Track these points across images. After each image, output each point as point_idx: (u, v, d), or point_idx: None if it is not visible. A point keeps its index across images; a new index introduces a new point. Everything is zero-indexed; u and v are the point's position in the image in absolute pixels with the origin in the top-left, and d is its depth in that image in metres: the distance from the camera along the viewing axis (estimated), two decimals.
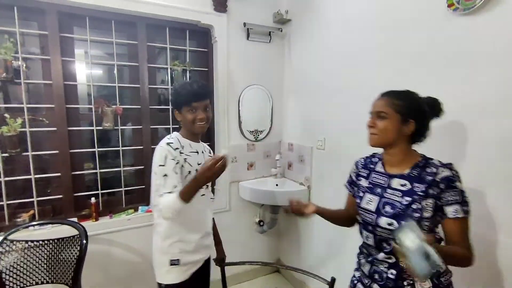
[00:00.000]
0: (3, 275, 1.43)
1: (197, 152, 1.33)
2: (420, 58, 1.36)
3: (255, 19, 2.19)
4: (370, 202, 1.00)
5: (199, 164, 1.29)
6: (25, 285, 1.50)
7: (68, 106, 1.78)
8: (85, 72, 1.88)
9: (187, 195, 1.13)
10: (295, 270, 1.30)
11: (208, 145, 1.52)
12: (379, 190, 1.00)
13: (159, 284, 1.29)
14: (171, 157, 1.20)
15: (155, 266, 1.31)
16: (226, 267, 1.48)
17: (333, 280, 1.16)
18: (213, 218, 1.55)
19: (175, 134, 1.31)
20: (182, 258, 1.28)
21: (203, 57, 2.19)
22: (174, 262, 1.27)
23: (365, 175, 1.08)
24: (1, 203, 1.67)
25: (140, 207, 2.01)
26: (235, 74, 2.19)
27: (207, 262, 1.43)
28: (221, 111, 2.16)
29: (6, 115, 1.61)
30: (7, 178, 1.67)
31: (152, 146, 2.06)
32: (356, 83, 1.72)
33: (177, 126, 2.10)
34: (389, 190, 0.97)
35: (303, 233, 2.29)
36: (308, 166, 2.15)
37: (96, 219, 1.86)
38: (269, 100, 2.37)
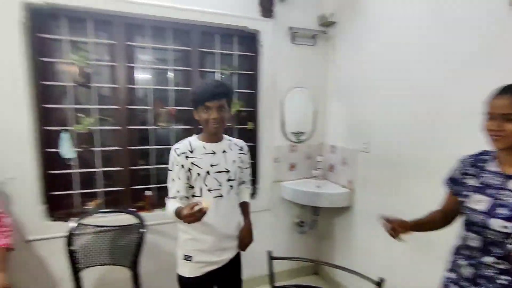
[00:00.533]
0: (77, 254, 1.63)
1: (213, 153, 1.31)
2: (476, 58, 1.31)
3: (300, 22, 2.24)
4: (479, 202, 0.94)
5: (212, 166, 1.29)
6: (92, 265, 1.69)
7: (128, 107, 1.97)
8: (141, 76, 2.06)
9: (178, 216, 1.14)
10: (342, 269, 1.31)
11: (249, 143, 1.54)
12: (491, 191, 0.94)
13: (177, 273, 1.35)
14: (176, 162, 1.27)
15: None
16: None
17: (382, 280, 1.16)
18: (246, 202, 1.50)
19: (192, 137, 1.35)
20: (195, 256, 1.30)
21: (250, 60, 2.28)
22: (187, 258, 1.30)
23: (473, 173, 1.01)
24: (74, 191, 1.91)
25: None
26: (280, 77, 2.25)
27: (234, 263, 1.41)
28: (265, 112, 2.24)
29: (80, 114, 1.84)
30: (79, 170, 1.90)
31: None
32: (405, 85, 1.69)
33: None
34: (505, 192, 0.91)
35: (343, 235, 2.27)
36: (351, 169, 2.14)
37: (150, 211, 2.03)
38: (312, 102, 2.39)
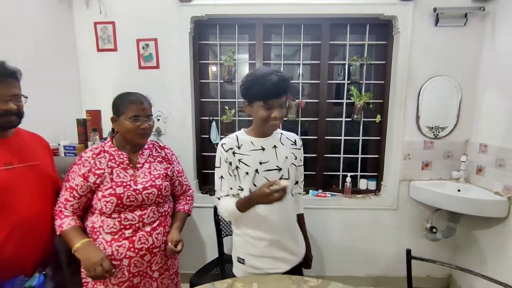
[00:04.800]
0: (221, 224, 1.96)
1: (263, 149, 1.17)
2: None
3: (448, 1, 1.95)
4: None
5: (261, 164, 1.15)
6: (231, 235, 2.00)
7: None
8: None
9: (243, 207, 1.09)
10: (503, 285, 1.12)
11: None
12: None
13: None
14: (224, 158, 1.15)
15: None
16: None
17: None
18: (302, 215, 1.37)
19: (239, 131, 1.24)
20: (247, 260, 1.20)
21: (382, 50, 2.15)
22: (239, 261, 1.22)
23: None
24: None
25: (310, 191, 2.25)
26: (417, 65, 2.03)
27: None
28: (397, 104, 2.07)
29: (226, 107, 2.17)
30: None
31: (325, 137, 2.24)
32: None
33: (359, 118, 2.18)
34: None
35: (492, 251, 1.90)
36: (510, 173, 1.76)
37: None
38: (457, 93, 2.06)
